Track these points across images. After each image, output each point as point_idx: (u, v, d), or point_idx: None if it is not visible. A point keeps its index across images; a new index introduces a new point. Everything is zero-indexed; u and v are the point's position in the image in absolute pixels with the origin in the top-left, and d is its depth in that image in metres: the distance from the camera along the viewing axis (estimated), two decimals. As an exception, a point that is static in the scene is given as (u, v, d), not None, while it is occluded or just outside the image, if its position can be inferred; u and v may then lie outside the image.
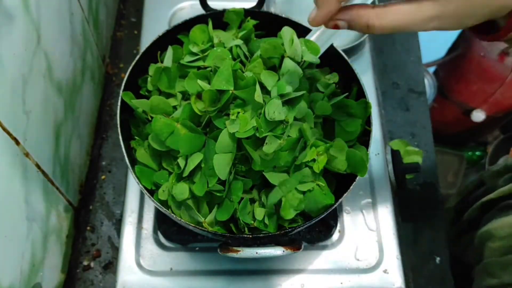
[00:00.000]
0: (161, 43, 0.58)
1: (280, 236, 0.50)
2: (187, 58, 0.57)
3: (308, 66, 0.56)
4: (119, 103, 0.54)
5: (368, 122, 0.55)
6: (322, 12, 0.40)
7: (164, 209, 0.49)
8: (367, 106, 0.55)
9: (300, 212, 0.51)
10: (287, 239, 0.50)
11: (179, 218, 0.49)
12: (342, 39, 0.79)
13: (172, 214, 0.50)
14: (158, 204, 0.50)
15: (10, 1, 0.43)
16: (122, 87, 0.54)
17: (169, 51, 0.57)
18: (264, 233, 0.51)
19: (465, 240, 0.76)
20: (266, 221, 0.51)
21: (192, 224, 0.49)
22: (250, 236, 0.49)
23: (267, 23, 0.61)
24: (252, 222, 0.51)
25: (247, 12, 0.61)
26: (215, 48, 0.57)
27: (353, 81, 0.58)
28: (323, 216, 0.50)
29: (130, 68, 0.56)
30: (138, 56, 0.57)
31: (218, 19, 0.60)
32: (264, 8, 0.66)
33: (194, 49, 0.57)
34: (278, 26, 0.57)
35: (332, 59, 0.59)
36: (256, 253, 0.47)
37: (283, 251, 0.48)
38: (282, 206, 0.50)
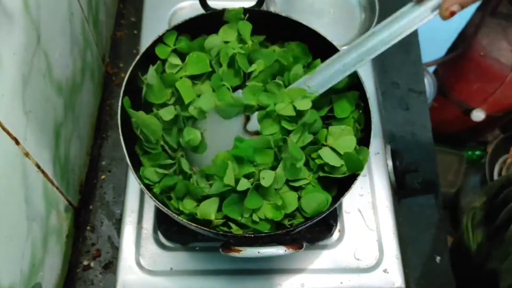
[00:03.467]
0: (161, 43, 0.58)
1: (281, 235, 0.50)
2: (169, 69, 0.58)
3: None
4: (119, 103, 0.54)
5: (367, 122, 0.55)
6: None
7: (165, 208, 0.49)
8: (360, 109, 0.56)
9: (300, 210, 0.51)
10: (288, 238, 0.50)
11: (180, 219, 0.49)
12: (342, 39, 0.79)
13: (173, 214, 0.50)
14: (159, 204, 0.49)
15: (10, 1, 0.43)
16: (123, 87, 0.54)
17: (152, 70, 0.57)
18: (266, 232, 0.51)
19: (494, 243, 0.74)
20: (256, 218, 0.51)
21: (193, 224, 0.49)
22: (252, 235, 0.49)
23: (267, 22, 0.61)
24: (240, 218, 0.51)
25: (247, 11, 0.61)
26: (191, 54, 0.57)
27: (353, 81, 0.58)
28: (324, 215, 0.50)
29: (130, 68, 0.56)
30: (138, 56, 0.57)
31: (218, 18, 0.60)
32: (264, 8, 0.66)
33: (176, 61, 0.58)
34: (278, 25, 0.57)
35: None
36: (258, 252, 0.47)
37: (285, 250, 0.48)
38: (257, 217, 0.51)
